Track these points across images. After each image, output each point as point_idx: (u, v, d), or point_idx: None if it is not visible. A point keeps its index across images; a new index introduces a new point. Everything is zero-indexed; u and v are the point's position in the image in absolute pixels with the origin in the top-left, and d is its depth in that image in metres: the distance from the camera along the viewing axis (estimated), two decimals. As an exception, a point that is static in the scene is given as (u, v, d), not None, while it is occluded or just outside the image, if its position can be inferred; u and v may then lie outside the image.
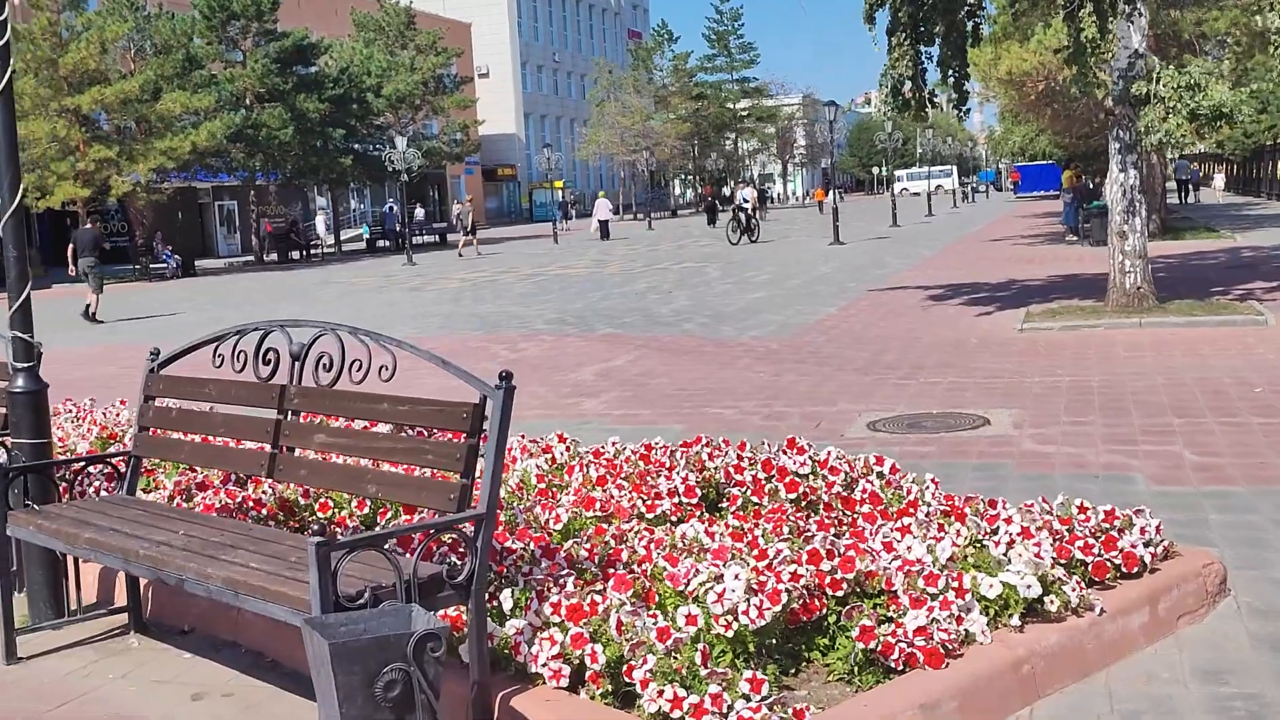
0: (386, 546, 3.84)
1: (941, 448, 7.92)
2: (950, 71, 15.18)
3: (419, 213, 57.16)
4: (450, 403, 4.15)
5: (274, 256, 45.84)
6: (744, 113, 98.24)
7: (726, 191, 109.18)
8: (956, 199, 72.42)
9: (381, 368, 4.20)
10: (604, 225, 47.79)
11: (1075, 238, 31.35)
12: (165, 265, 39.57)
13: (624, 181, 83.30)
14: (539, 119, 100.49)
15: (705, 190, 74.89)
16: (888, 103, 14.76)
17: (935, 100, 15.07)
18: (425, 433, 5.32)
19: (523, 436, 6.36)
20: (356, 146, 49.30)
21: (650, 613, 3.94)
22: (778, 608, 3.85)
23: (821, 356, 12.66)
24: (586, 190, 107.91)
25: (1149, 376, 10.21)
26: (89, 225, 24.75)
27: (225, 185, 50.78)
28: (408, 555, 3.89)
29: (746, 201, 40.19)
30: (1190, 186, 56.54)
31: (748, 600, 3.84)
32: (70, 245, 23.94)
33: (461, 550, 4.15)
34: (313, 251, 47.37)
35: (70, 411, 7.77)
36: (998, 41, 27.78)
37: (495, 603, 4.10)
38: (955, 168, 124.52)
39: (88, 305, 22.63)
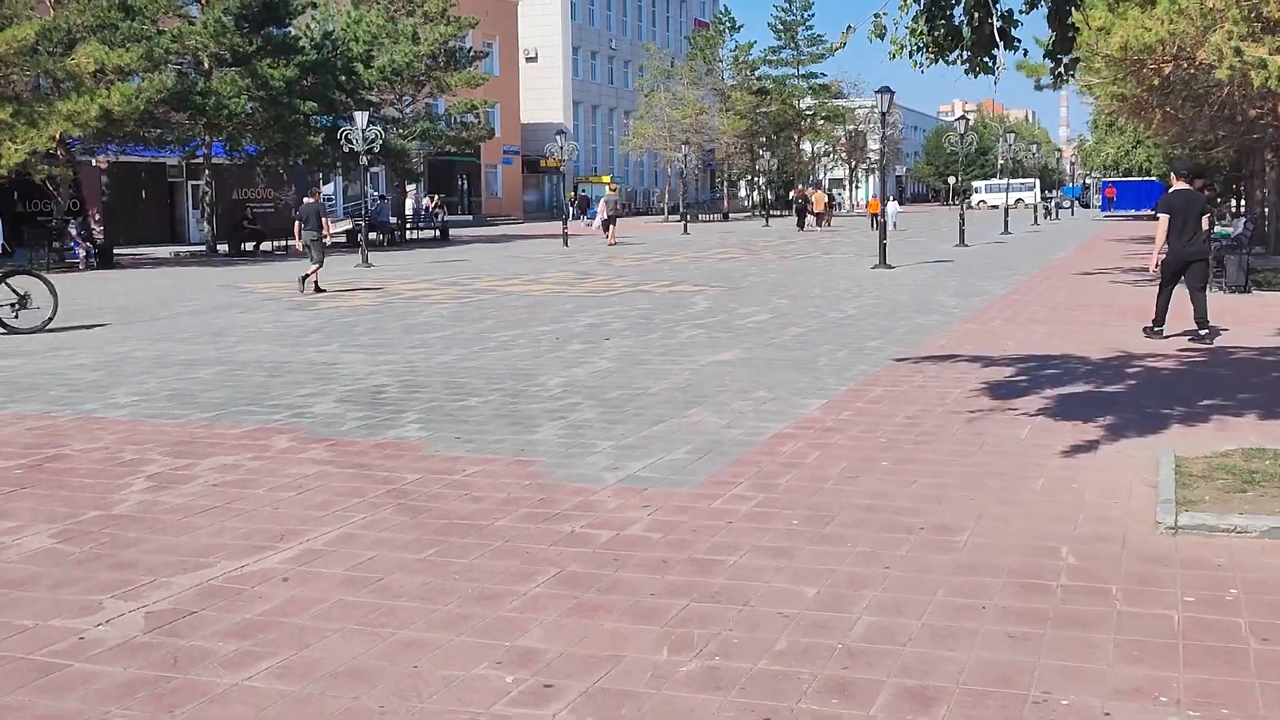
0: None
1: None
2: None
3: (411, 202, 50.29)
4: None
5: (225, 247, 39.13)
6: (810, 111, 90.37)
7: (792, 195, 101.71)
8: (1038, 215, 64.18)
9: None
10: (605, 223, 45.41)
11: (1197, 277, 23.64)
12: (74, 253, 32.93)
13: (669, 180, 75.67)
14: (590, 109, 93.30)
15: (797, 191, 68.17)
16: (915, 33, 7.41)
17: (1016, 41, 7.73)
18: None
19: None
20: (341, 124, 42.34)
21: None
22: None
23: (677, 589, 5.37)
24: (639, 187, 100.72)
25: None
26: (310, 199, 24.53)
27: (200, 162, 43.92)
28: None
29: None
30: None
31: None
32: (295, 220, 24.40)
33: None
34: (276, 244, 40.50)
35: None
36: (1110, 6, 20.06)
37: None
38: (1038, 181, 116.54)
39: (304, 275, 23.00)
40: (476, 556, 6.00)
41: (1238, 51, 17.53)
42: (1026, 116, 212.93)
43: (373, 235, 42.72)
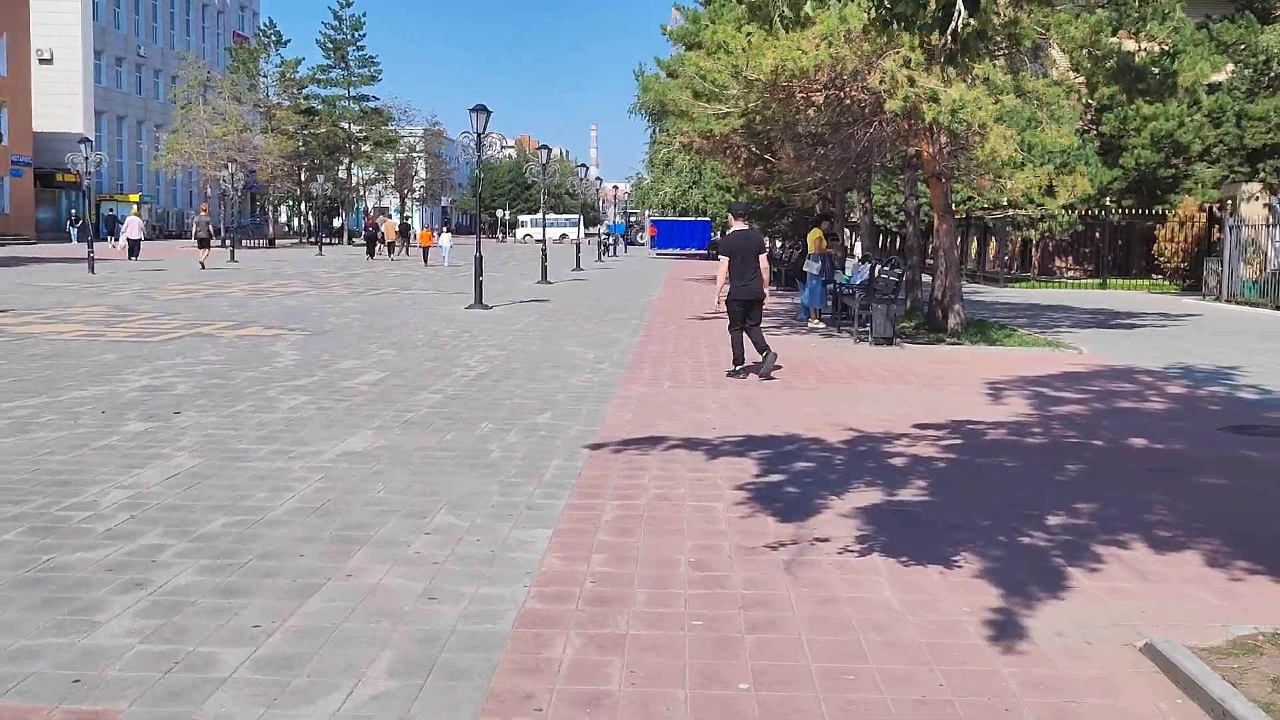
0: None
1: None
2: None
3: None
4: None
5: None
6: (361, 135, 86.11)
7: (337, 223, 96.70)
8: (600, 252, 63.44)
9: None
10: (134, 244, 45.01)
11: (821, 324, 22.17)
12: None
13: (210, 200, 69.02)
14: (115, 120, 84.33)
15: (367, 220, 63.34)
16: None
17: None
18: None
19: None
20: None
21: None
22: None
23: None
24: (172, 208, 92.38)
25: None
26: None
27: None
28: None
29: None
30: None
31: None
32: None
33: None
34: None
35: None
36: (763, 25, 17.89)
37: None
38: (581, 217, 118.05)
39: None
40: None
41: (911, 81, 15.66)
42: (561, 154, 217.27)
43: None
